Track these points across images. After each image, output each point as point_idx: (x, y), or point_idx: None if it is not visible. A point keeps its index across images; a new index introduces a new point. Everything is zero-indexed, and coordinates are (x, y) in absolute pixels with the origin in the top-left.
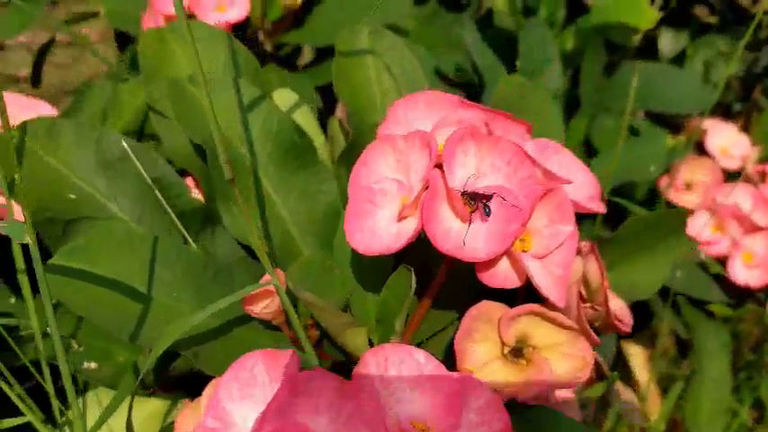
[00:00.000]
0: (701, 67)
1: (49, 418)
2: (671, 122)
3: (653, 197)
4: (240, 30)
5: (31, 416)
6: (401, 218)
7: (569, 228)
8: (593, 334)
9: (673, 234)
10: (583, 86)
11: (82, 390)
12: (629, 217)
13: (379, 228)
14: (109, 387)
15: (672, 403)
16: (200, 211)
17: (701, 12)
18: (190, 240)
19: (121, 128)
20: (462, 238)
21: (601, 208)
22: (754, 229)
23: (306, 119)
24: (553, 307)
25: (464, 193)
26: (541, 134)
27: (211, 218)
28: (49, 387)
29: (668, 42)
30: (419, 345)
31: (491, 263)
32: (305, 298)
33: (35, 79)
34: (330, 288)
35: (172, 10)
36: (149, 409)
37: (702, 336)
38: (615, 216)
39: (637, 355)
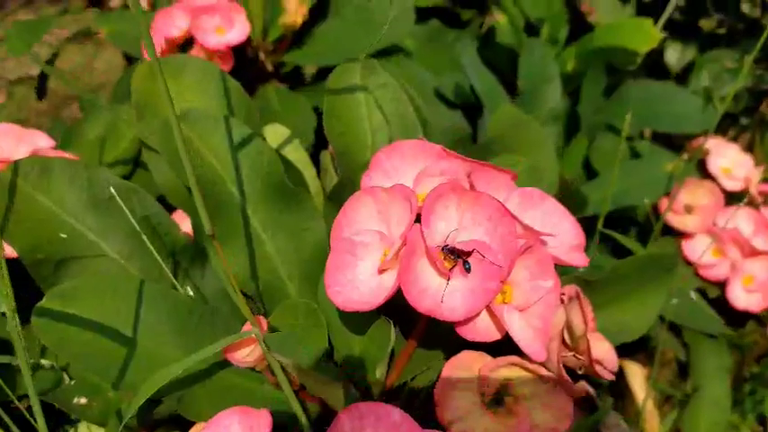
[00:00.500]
0: (707, 82)
1: None
2: (674, 142)
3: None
4: (241, 49)
5: None
6: (382, 270)
7: (549, 283)
8: (572, 385)
9: (663, 276)
10: (583, 108)
11: (75, 420)
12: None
13: (359, 280)
14: (97, 424)
15: (668, 428)
16: (190, 247)
17: (708, 24)
18: (176, 283)
19: (118, 155)
20: (439, 296)
21: (582, 261)
22: (754, 253)
23: (297, 153)
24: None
25: (444, 248)
26: (535, 166)
27: (201, 253)
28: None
29: (675, 56)
30: (404, 384)
31: (470, 317)
32: (280, 360)
33: (40, 93)
34: (314, 332)
35: (174, 32)
36: None
37: (701, 357)
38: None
39: (635, 375)
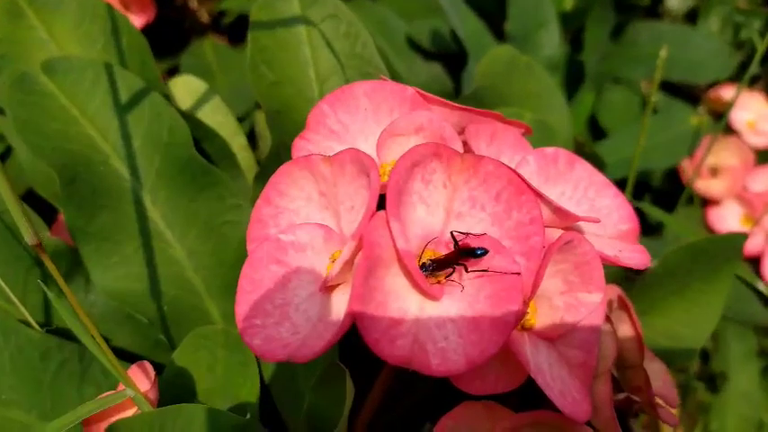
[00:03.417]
0: (716, 27)
1: None
2: (687, 92)
3: (670, 183)
4: None
5: None
6: (328, 288)
7: (595, 297)
8: None
9: (722, 268)
10: (587, 55)
11: None
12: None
13: (292, 307)
14: None
15: None
16: (66, 254)
17: None
18: (25, 312)
19: None
20: (421, 334)
21: (642, 259)
22: None
23: (219, 115)
24: None
25: (425, 265)
26: (542, 121)
27: (83, 262)
28: None
29: None
30: None
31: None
32: None
33: None
34: (241, 373)
35: None
36: None
37: (726, 341)
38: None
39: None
